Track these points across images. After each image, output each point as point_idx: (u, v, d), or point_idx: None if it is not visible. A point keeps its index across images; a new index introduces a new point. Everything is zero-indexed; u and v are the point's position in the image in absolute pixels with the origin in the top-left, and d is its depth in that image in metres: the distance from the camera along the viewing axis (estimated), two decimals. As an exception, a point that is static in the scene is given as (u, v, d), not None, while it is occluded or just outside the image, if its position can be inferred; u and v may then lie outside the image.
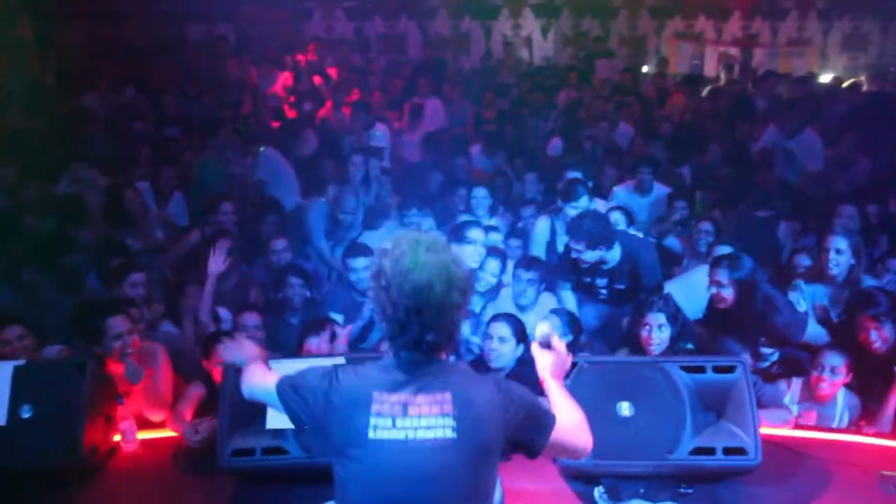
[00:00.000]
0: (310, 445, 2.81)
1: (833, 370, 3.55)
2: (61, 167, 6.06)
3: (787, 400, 3.67)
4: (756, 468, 2.74)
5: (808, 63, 11.22)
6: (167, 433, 3.43)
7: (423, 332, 1.83)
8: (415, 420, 1.84)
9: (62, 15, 10.59)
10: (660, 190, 5.90)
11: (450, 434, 1.83)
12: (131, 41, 10.48)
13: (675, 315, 3.68)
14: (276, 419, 2.89)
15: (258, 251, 5.15)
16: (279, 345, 4.14)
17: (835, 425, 3.59)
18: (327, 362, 2.96)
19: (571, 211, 4.73)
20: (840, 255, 4.15)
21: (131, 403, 3.53)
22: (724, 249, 4.41)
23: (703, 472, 2.76)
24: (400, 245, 1.85)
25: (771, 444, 2.93)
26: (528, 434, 1.95)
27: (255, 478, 2.99)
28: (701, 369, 2.86)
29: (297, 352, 3.70)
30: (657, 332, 3.65)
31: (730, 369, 2.85)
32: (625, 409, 2.79)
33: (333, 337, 3.70)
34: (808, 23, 11.53)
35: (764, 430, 2.90)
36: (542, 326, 2.23)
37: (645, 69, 10.79)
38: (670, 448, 2.73)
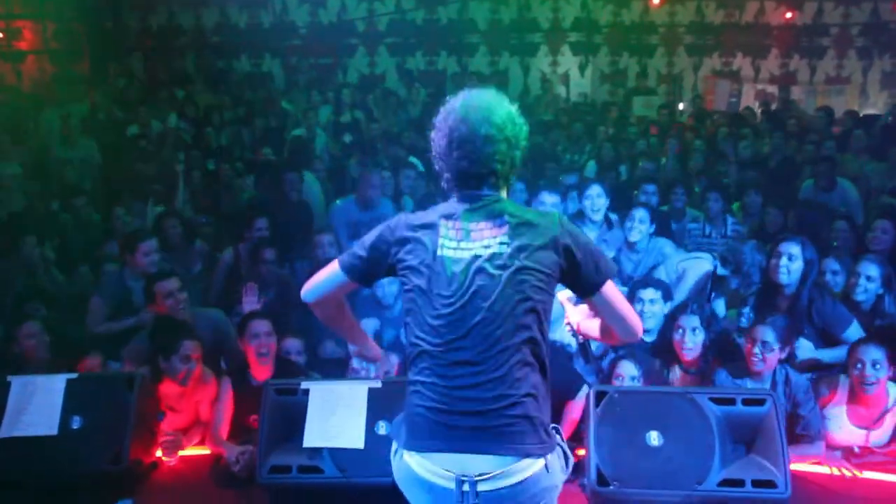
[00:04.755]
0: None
1: (875, 364, 3.36)
2: (117, 197, 6.31)
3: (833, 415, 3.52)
4: (786, 502, 2.72)
5: (848, 101, 11.17)
6: (207, 450, 3.55)
7: (462, 161, 2.05)
8: (476, 242, 2.03)
9: (119, 51, 11.11)
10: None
11: (505, 249, 2.01)
12: (183, 74, 10.93)
13: (709, 320, 3.67)
14: (314, 438, 3.01)
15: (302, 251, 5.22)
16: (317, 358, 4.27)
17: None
18: (360, 386, 3.08)
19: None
20: (870, 282, 4.05)
21: (175, 420, 3.67)
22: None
23: None
24: (455, 96, 2.11)
25: (801, 478, 2.93)
26: (586, 260, 2.04)
27: (291, 495, 3.06)
28: (731, 401, 2.87)
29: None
30: (691, 335, 3.62)
31: (760, 402, 2.87)
32: (654, 438, 2.81)
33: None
34: (847, 61, 11.49)
35: (794, 466, 2.90)
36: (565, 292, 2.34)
37: (681, 106, 10.85)
38: (699, 479, 2.74)
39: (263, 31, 11.53)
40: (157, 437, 3.42)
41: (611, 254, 4.80)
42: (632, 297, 4.12)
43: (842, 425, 3.49)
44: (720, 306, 4.53)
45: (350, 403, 3.02)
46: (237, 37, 11.53)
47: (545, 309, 2.06)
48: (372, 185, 5.52)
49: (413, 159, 7.34)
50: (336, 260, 2.21)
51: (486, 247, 2.01)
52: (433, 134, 2.12)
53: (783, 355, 3.48)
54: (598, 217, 5.05)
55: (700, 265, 4.63)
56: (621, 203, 5.52)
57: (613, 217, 5.20)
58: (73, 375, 3.26)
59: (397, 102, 9.49)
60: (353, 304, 4.60)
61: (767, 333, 3.42)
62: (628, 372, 3.55)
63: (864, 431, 3.47)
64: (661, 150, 7.90)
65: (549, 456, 2.02)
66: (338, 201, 5.91)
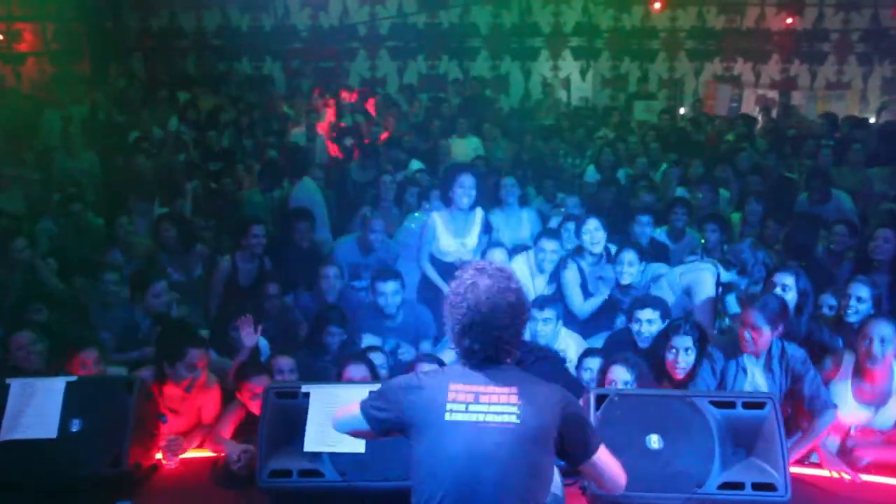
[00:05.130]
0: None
1: (883, 340, 3.41)
2: (120, 202, 6.32)
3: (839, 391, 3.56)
4: (786, 505, 2.73)
5: (848, 106, 11.18)
6: (207, 453, 3.55)
7: (473, 344, 2.18)
8: (485, 406, 2.13)
9: (120, 52, 11.13)
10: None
11: (514, 420, 2.11)
12: (183, 76, 10.95)
13: (701, 339, 3.69)
14: (314, 442, 3.01)
15: (306, 277, 5.22)
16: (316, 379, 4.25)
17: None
18: (364, 389, 3.08)
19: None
20: (861, 303, 4.05)
21: (176, 423, 3.67)
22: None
23: (731, 507, 2.77)
24: (467, 271, 2.23)
25: (801, 482, 2.93)
26: (579, 437, 2.20)
27: (291, 499, 3.06)
28: (731, 405, 2.88)
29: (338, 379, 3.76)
30: (683, 355, 3.64)
31: (759, 405, 2.87)
32: (654, 441, 2.82)
33: (372, 368, 3.80)
34: (846, 66, 11.51)
35: (794, 469, 2.90)
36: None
37: (682, 111, 10.86)
38: (699, 482, 2.75)
39: (265, 33, 11.53)
40: (157, 440, 3.43)
41: (605, 293, 4.86)
42: (630, 318, 4.20)
43: (846, 402, 3.51)
44: (732, 302, 4.53)
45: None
46: (238, 39, 11.53)
47: (549, 474, 2.22)
48: (374, 230, 5.52)
49: (416, 163, 7.36)
50: (359, 405, 2.30)
51: (497, 413, 2.13)
52: (446, 307, 2.23)
53: (775, 335, 3.50)
54: (599, 249, 5.08)
55: (704, 276, 4.61)
56: (619, 218, 5.54)
57: (613, 248, 5.19)
58: (73, 378, 3.27)
59: (399, 113, 9.50)
60: (355, 316, 4.67)
61: (756, 317, 3.46)
62: (621, 377, 3.55)
63: (868, 411, 3.50)
64: (663, 157, 7.90)
65: None
66: (340, 240, 5.90)
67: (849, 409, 3.52)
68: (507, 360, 2.24)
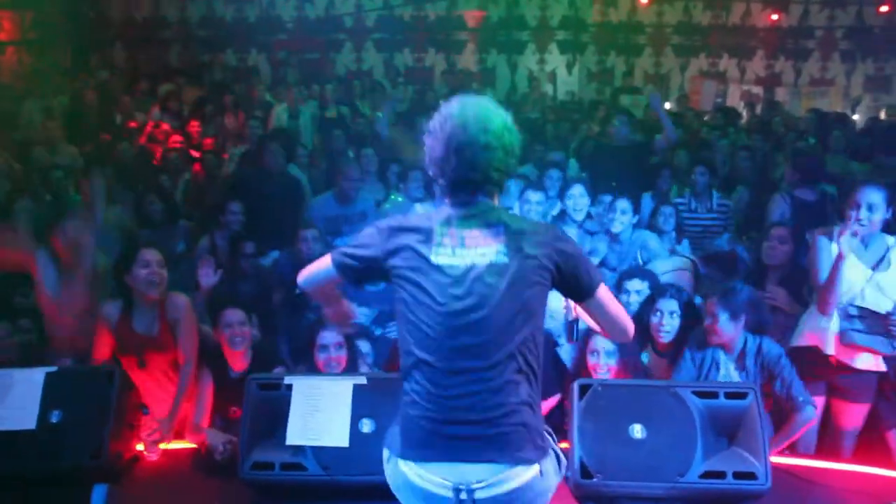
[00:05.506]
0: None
1: (871, 207, 3.47)
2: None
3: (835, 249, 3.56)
4: (766, 493, 2.74)
5: (832, 103, 11.28)
6: (188, 444, 3.52)
7: (460, 168, 2.07)
8: (472, 249, 2.05)
9: (101, 42, 11.00)
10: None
11: (502, 259, 2.03)
12: (167, 66, 10.85)
13: (688, 305, 3.68)
14: (297, 435, 2.98)
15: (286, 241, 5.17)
16: (298, 341, 4.18)
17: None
18: (345, 383, 3.06)
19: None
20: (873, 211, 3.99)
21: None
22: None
23: (712, 495, 2.77)
24: (450, 101, 2.13)
25: (781, 470, 2.95)
26: (576, 272, 2.10)
27: (273, 492, 3.03)
28: (713, 394, 2.89)
29: (310, 346, 3.71)
30: (668, 318, 3.64)
31: (741, 395, 2.88)
32: (637, 431, 2.82)
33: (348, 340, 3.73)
34: (830, 63, 11.61)
35: (774, 459, 2.92)
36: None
37: (668, 105, 10.89)
38: (681, 471, 2.75)
39: (249, 24, 11.47)
40: (138, 431, 3.39)
41: (593, 244, 4.84)
42: (619, 288, 4.14)
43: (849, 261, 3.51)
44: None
45: (334, 400, 2.99)
46: (223, 30, 11.45)
47: (541, 317, 2.09)
48: (349, 178, 5.48)
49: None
50: (330, 255, 2.22)
51: (483, 255, 2.04)
52: (427, 139, 2.13)
53: (739, 327, 3.47)
54: (580, 216, 5.09)
55: (682, 276, 4.63)
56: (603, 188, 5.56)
57: (594, 211, 5.22)
58: (52, 369, 3.21)
59: (383, 95, 9.46)
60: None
61: (715, 304, 3.44)
62: (604, 346, 3.55)
63: (867, 269, 3.55)
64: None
65: (543, 461, 2.05)
66: (316, 198, 5.87)
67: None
68: (495, 193, 2.14)
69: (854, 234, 3.48)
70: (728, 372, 3.53)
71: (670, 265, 4.75)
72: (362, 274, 2.20)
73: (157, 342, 3.70)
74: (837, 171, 6.80)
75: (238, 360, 3.72)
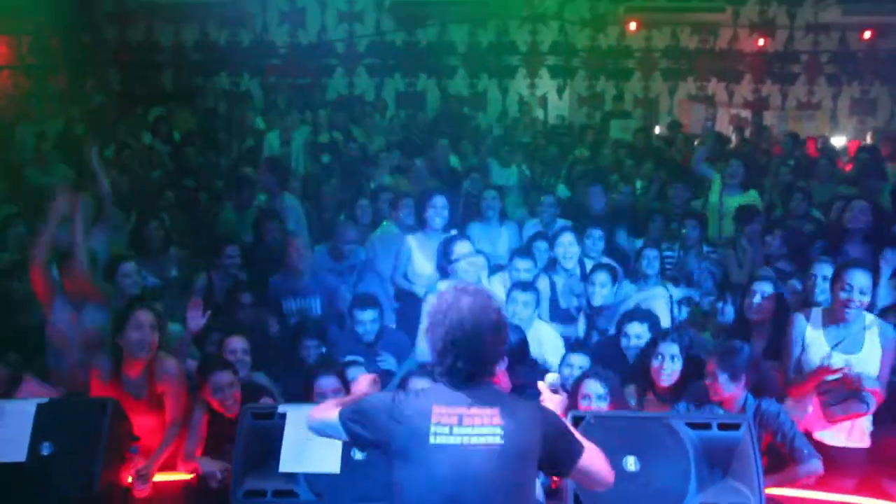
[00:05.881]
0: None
1: (861, 291, 3.56)
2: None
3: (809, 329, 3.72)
4: (760, 526, 2.76)
5: (818, 126, 11.42)
6: (179, 476, 3.50)
7: (456, 361, 2.19)
8: (468, 429, 2.15)
9: (96, 66, 11.03)
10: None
11: (498, 441, 2.14)
12: (161, 90, 10.88)
13: (688, 349, 3.71)
14: (289, 463, 2.99)
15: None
16: (283, 386, 4.26)
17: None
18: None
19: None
20: (826, 281, 4.13)
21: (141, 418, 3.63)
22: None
23: (707, 528, 2.79)
24: (450, 292, 2.27)
25: (776, 502, 2.96)
26: (562, 451, 2.24)
27: (266, 521, 3.03)
28: (706, 426, 2.91)
29: (306, 391, 3.72)
30: (669, 362, 3.66)
31: (735, 427, 2.90)
32: (630, 463, 2.83)
33: (344, 381, 3.74)
34: (817, 87, 11.77)
35: (769, 491, 2.93)
36: (552, 376, 2.54)
37: (658, 129, 11.01)
38: (676, 503, 2.76)
39: (243, 49, 11.52)
40: (129, 466, 3.37)
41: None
42: (619, 331, 4.22)
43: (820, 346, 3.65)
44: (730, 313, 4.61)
45: (327, 428, 2.99)
46: (216, 54, 11.50)
47: (532, 492, 2.25)
48: (345, 240, 5.56)
49: (387, 178, 7.35)
50: (338, 414, 2.28)
51: (480, 435, 2.14)
52: (428, 326, 2.26)
53: (741, 388, 3.48)
54: (571, 265, 5.11)
55: (658, 304, 4.69)
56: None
57: (587, 263, 5.24)
58: (44, 400, 3.20)
59: (373, 123, 9.52)
60: (335, 341, 4.68)
61: (714, 366, 3.47)
62: (595, 390, 3.55)
63: (851, 356, 3.63)
64: (637, 173, 8.00)
65: None
66: (314, 248, 5.88)
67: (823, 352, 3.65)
68: (489, 378, 2.26)
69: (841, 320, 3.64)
70: None
71: (643, 294, 4.80)
72: (365, 445, 2.37)
73: (144, 406, 3.70)
74: (825, 199, 6.89)
75: (232, 414, 3.69)
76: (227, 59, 11.44)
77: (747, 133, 10.67)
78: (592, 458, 2.28)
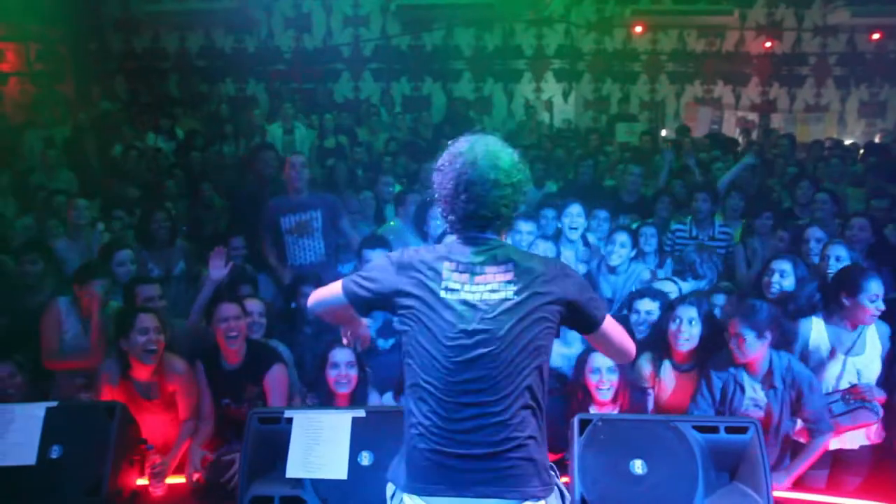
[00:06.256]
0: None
1: (875, 298, 3.55)
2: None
3: (813, 335, 3.72)
4: (769, 530, 2.74)
5: (826, 129, 11.38)
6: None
7: (470, 204, 2.10)
8: (481, 286, 2.08)
9: (103, 73, 11.10)
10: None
11: (512, 295, 2.06)
12: (166, 97, 10.93)
13: (708, 315, 3.64)
14: (296, 468, 2.99)
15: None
16: (297, 355, 4.25)
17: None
18: (344, 416, 3.07)
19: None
20: (784, 277, 4.14)
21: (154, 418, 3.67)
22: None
23: (715, 532, 2.77)
24: (458, 140, 2.18)
25: (784, 506, 2.94)
26: (584, 308, 2.16)
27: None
28: (714, 429, 2.89)
29: (321, 363, 3.74)
30: (687, 325, 3.59)
31: (742, 430, 2.88)
32: (638, 467, 2.82)
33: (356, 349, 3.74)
34: (825, 90, 11.72)
35: (778, 494, 2.91)
36: None
37: (664, 133, 10.99)
38: (683, 507, 2.75)
39: (248, 55, 11.56)
40: (144, 466, 3.38)
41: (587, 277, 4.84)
42: (629, 308, 4.15)
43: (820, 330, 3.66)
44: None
45: (333, 433, 3.01)
46: (222, 60, 11.56)
47: (548, 353, 2.14)
48: (349, 210, 5.59)
49: (398, 186, 7.35)
50: (341, 283, 2.25)
51: (492, 291, 2.07)
52: (436, 175, 2.17)
53: (767, 344, 3.43)
54: (576, 236, 5.10)
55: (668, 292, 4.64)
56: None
57: (591, 238, 5.23)
58: (53, 404, 3.21)
59: (380, 122, 9.55)
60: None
61: (739, 322, 3.41)
62: (604, 363, 3.52)
63: (855, 357, 3.64)
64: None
65: (549, 497, 2.08)
66: None
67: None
68: (504, 230, 2.19)
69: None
70: (755, 393, 3.47)
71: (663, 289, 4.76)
72: (371, 305, 2.23)
73: (156, 406, 3.73)
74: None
75: (232, 355, 3.73)
76: (232, 66, 11.49)
77: (754, 136, 10.64)
78: (615, 326, 2.24)
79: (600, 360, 3.54)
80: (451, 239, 2.21)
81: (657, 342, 3.79)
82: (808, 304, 3.99)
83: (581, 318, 2.16)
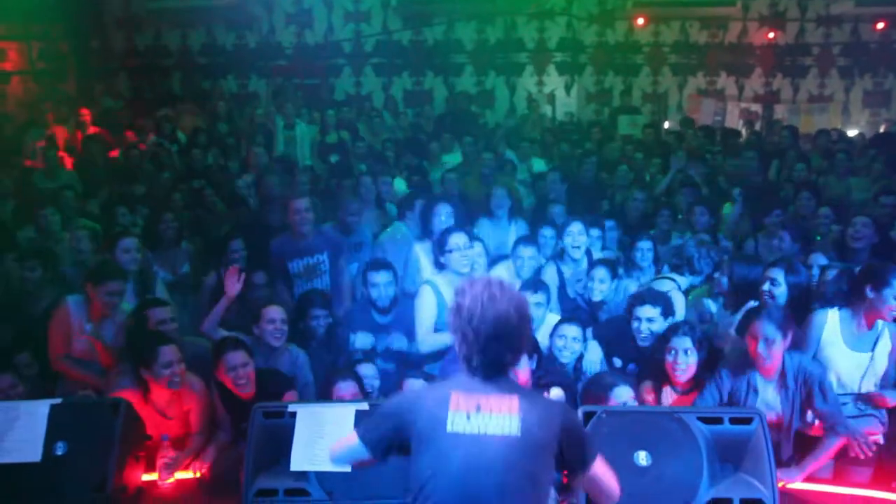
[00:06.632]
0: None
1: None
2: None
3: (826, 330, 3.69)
4: (774, 520, 2.74)
5: (830, 119, 11.32)
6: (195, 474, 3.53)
7: (502, 353, 2.19)
8: (486, 417, 2.15)
9: (105, 71, 11.12)
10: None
11: (515, 431, 2.13)
12: (169, 93, 10.95)
13: (701, 341, 3.64)
14: (300, 461, 3.00)
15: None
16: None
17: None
18: (347, 409, 3.08)
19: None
20: (775, 286, 4.07)
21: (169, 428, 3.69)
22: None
23: (720, 523, 2.77)
24: (476, 284, 2.23)
25: (789, 496, 2.93)
26: (578, 448, 2.24)
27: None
28: (718, 420, 2.89)
29: (326, 395, 3.75)
30: (683, 356, 3.59)
31: (747, 421, 2.88)
32: (642, 458, 2.81)
33: (361, 385, 3.78)
34: (829, 80, 11.66)
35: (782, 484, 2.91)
36: (556, 391, 2.64)
37: (667, 125, 10.95)
38: (687, 499, 2.74)
39: (250, 51, 11.57)
40: (145, 462, 3.40)
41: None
42: (630, 314, 4.13)
43: (837, 347, 3.62)
44: (711, 305, 4.55)
45: (337, 426, 3.02)
46: (224, 57, 11.56)
47: (547, 485, 2.25)
48: (349, 211, 5.58)
49: (398, 180, 7.36)
50: (356, 433, 2.30)
51: (497, 424, 2.14)
52: (452, 319, 2.23)
53: (787, 345, 3.41)
54: (579, 255, 5.06)
55: (676, 297, 4.60)
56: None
57: (595, 251, 5.22)
58: (57, 401, 3.22)
59: (382, 124, 9.54)
60: (349, 314, 4.71)
61: (768, 327, 3.36)
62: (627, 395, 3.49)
63: (863, 355, 3.62)
64: (646, 167, 7.98)
65: None
66: (320, 226, 5.90)
67: (843, 361, 3.64)
68: (511, 370, 2.27)
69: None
70: (766, 394, 3.47)
71: (661, 289, 4.74)
72: (390, 446, 2.27)
73: (173, 424, 3.75)
74: (842, 192, 6.84)
75: (244, 395, 3.74)
76: (234, 62, 11.49)
77: (758, 127, 10.59)
78: (604, 470, 2.29)
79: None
80: (461, 373, 2.26)
81: (656, 371, 3.80)
82: (833, 295, 3.95)
83: (573, 459, 2.23)
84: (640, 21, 11.19)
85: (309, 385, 4.16)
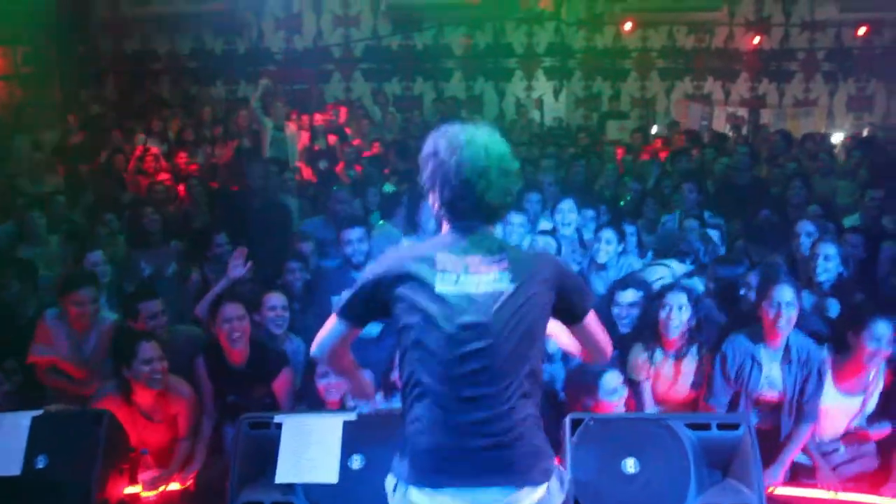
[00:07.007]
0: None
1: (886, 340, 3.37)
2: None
3: None
4: (762, 527, 2.73)
5: (815, 122, 11.40)
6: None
7: (484, 192, 2.06)
8: (475, 276, 2.05)
9: (92, 76, 11.04)
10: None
11: (507, 286, 2.05)
12: (157, 98, 10.89)
13: (697, 301, 3.61)
14: (286, 473, 2.96)
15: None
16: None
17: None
18: (334, 419, 3.05)
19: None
20: (828, 261, 4.09)
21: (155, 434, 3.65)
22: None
23: (708, 530, 2.76)
24: (451, 127, 2.11)
25: (777, 502, 2.93)
26: (576, 295, 2.18)
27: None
28: (706, 426, 2.89)
29: (309, 371, 3.74)
30: (677, 312, 3.55)
31: (734, 426, 2.88)
32: (630, 465, 2.81)
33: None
34: (813, 84, 11.75)
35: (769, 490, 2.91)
36: None
37: (654, 129, 10.99)
38: (675, 505, 2.74)
39: (239, 56, 11.53)
40: (128, 475, 3.35)
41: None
42: (611, 300, 4.08)
43: (827, 391, 3.52)
44: (698, 285, 4.52)
45: (324, 437, 2.99)
46: (212, 62, 11.51)
47: (543, 341, 2.15)
48: (340, 200, 5.54)
49: (388, 186, 7.33)
50: (333, 315, 2.23)
51: (487, 282, 2.05)
52: (430, 164, 2.10)
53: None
54: (569, 231, 5.09)
55: (661, 278, 4.62)
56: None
57: (586, 233, 5.21)
58: (39, 412, 3.18)
59: (371, 124, 9.53)
60: (326, 274, 4.64)
61: (786, 292, 3.33)
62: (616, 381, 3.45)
63: (855, 398, 3.53)
64: (632, 170, 7.99)
65: (550, 480, 2.09)
66: (305, 221, 5.89)
67: (833, 403, 3.54)
68: (497, 222, 2.19)
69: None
70: (770, 370, 3.45)
71: (655, 275, 4.74)
72: (365, 309, 2.17)
73: (159, 427, 3.72)
74: (827, 191, 6.87)
75: (236, 355, 3.72)
76: (223, 67, 11.45)
77: (744, 131, 10.64)
78: (597, 323, 2.25)
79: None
80: (444, 231, 2.17)
81: (646, 332, 3.74)
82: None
83: (569, 308, 2.17)
84: (628, 26, 11.24)
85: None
